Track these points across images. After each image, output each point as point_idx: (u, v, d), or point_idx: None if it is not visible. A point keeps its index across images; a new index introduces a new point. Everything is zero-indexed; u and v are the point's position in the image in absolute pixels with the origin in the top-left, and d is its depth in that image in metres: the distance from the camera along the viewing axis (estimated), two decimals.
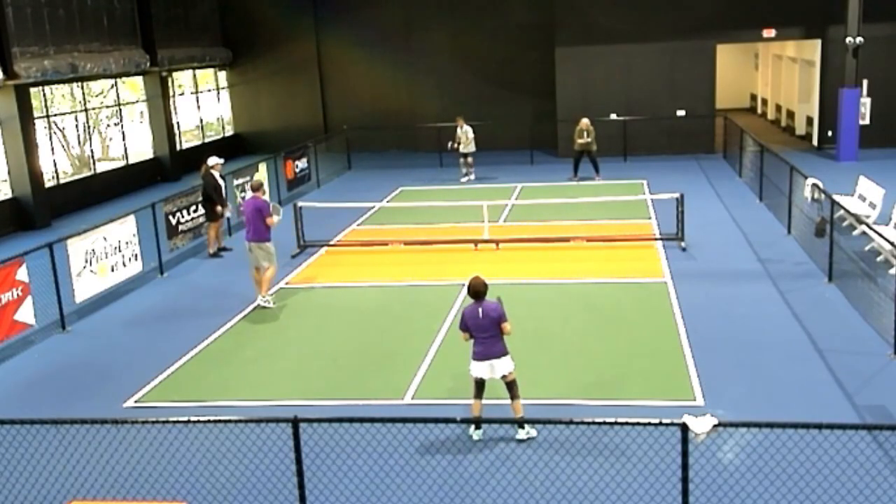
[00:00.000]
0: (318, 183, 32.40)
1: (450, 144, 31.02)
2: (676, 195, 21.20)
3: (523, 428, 11.37)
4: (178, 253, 22.48)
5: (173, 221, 22.32)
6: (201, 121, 39.82)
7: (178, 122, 36.98)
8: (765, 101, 46.12)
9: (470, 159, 30.74)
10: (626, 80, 35.31)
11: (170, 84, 36.18)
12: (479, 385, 11.45)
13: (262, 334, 16.47)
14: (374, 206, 26.35)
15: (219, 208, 22.30)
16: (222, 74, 42.02)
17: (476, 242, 21.84)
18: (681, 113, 35.11)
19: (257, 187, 18.55)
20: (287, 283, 19.72)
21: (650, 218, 24.09)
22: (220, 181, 22.66)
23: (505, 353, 11.38)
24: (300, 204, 22.83)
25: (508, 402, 11.71)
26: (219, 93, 41.77)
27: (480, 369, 11.32)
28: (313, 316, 17.46)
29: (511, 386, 11.39)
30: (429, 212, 24.88)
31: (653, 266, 19.62)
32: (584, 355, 14.55)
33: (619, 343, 15.00)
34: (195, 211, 23.09)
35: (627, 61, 35.18)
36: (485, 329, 11.28)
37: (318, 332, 16.46)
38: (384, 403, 12.96)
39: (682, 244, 21.00)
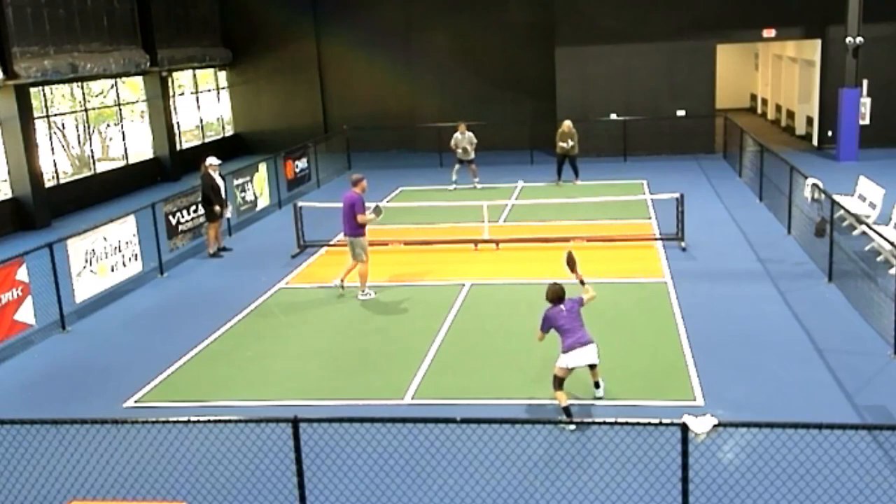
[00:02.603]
0: (318, 183, 32.40)
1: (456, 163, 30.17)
2: (676, 195, 21.20)
3: (599, 387, 12.84)
4: (178, 253, 22.48)
5: (173, 221, 22.32)
6: (201, 121, 39.82)
7: (178, 122, 36.98)
8: (765, 101, 46.13)
9: (473, 166, 29.75)
10: (626, 80, 35.33)
11: (170, 84, 36.18)
12: (562, 379, 12.26)
13: (262, 334, 16.47)
14: (374, 206, 26.32)
15: (217, 208, 22.28)
16: (222, 74, 42.03)
17: (476, 242, 21.84)
18: (681, 113, 35.12)
19: (356, 182, 18.53)
20: (287, 284, 19.72)
21: (650, 218, 24.09)
22: (219, 181, 22.64)
23: (592, 340, 12.42)
24: (300, 204, 22.83)
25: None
26: (219, 93, 41.77)
27: (575, 358, 12.18)
28: (313, 316, 17.46)
29: (593, 365, 12.58)
30: (429, 212, 24.88)
31: (653, 266, 19.63)
32: None
33: (620, 343, 15.00)
34: (195, 211, 23.08)
35: (627, 61, 35.20)
36: (572, 322, 12.36)
37: (318, 332, 16.46)
38: (384, 403, 12.96)
39: (683, 244, 21.00)
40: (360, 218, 17.99)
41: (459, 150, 29.56)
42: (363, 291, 18.31)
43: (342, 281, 18.61)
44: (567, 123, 29.73)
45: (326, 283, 19.51)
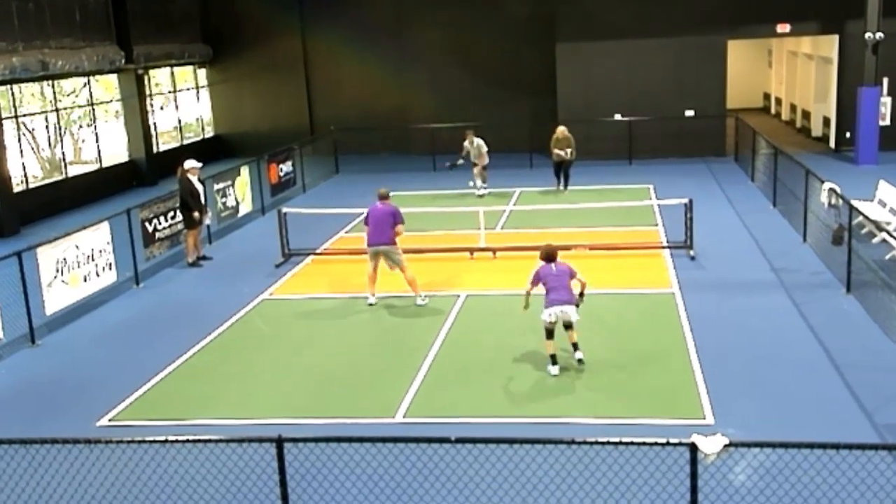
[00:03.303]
0: (303, 188, 32.42)
1: (449, 164, 30.34)
2: (685, 201, 21.24)
3: (577, 349, 14.70)
4: (155, 262, 22.46)
5: (150, 228, 22.31)
6: (180, 122, 39.84)
7: (154, 123, 36.98)
8: (779, 101, 46.25)
9: (485, 173, 29.47)
10: (631, 78, 35.37)
11: (146, 82, 36.17)
12: (551, 332, 14.52)
13: (245, 348, 16.47)
14: (363, 213, 26.29)
15: (196, 215, 22.27)
16: (202, 72, 42.04)
17: (472, 251, 21.87)
18: (689, 113, 35.18)
19: (387, 195, 18.96)
20: (271, 295, 19.73)
21: (657, 225, 24.14)
22: (198, 186, 22.65)
23: (574, 303, 14.50)
24: (285, 210, 22.82)
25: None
26: (198, 92, 41.79)
27: (552, 314, 14.37)
28: (299, 329, 17.47)
29: (569, 325, 14.59)
30: (422, 218, 24.90)
31: (660, 276, 19.67)
32: (587, 371, 14.55)
33: (624, 358, 15.02)
34: (173, 217, 23.08)
35: (632, 58, 35.25)
36: (558, 280, 14.48)
37: (303, 346, 16.46)
38: (374, 422, 12.96)
39: (691, 252, 21.03)
40: (400, 229, 18.42)
41: (471, 157, 29.27)
42: (421, 297, 18.57)
43: (374, 292, 18.78)
44: (562, 129, 29.43)
45: (313, 293, 19.54)
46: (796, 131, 40.50)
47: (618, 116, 35.35)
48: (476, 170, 29.38)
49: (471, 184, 29.70)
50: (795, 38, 38.37)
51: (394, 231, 18.31)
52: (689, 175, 31.54)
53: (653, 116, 35.02)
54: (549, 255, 14.76)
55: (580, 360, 14.65)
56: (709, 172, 32.01)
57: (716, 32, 34.59)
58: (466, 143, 29.27)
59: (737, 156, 34.22)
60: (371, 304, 18.58)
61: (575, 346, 14.73)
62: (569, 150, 28.99)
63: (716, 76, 35.11)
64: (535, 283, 14.70)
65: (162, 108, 39.05)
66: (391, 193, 19.26)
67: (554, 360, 14.52)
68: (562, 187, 29.55)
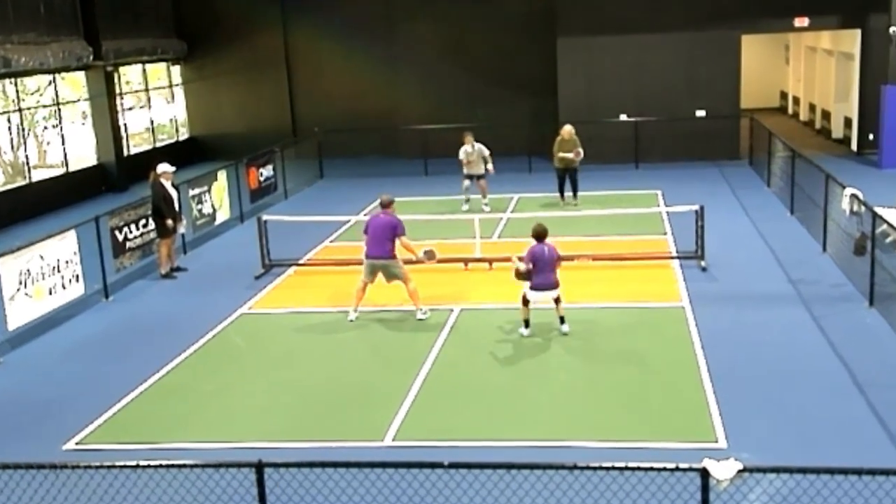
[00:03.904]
0: (285, 193, 32.44)
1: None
2: (695, 207, 21.28)
3: (564, 323, 16.95)
4: (126, 273, 22.46)
5: (120, 237, 22.29)
6: (152, 122, 39.87)
7: (125, 124, 37.02)
8: (797, 100, 46.38)
9: (483, 182, 28.38)
10: (638, 76, 35.44)
11: (116, 80, 36.20)
12: (528, 301, 16.74)
13: (223, 366, 16.48)
14: (349, 220, 26.36)
15: (170, 222, 22.28)
16: (176, 70, 42.10)
17: (466, 261, 21.90)
18: (701, 113, 35.26)
19: (389, 203, 18.80)
20: (250, 308, 19.74)
21: (665, 233, 24.21)
22: (172, 192, 22.66)
23: (559, 285, 16.77)
24: (265, 217, 22.85)
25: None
26: (172, 91, 41.83)
27: (537, 296, 16.67)
28: (280, 345, 17.49)
29: (557, 300, 16.85)
30: (412, 226, 24.82)
31: (668, 288, 19.72)
32: (590, 391, 14.59)
33: (630, 376, 15.05)
34: (145, 226, 23.06)
35: (640, 54, 35.32)
36: (546, 264, 16.52)
37: (285, 364, 16.48)
38: (361, 445, 12.99)
39: (703, 263, 21.08)
40: (405, 241, 18.38)
41: (469, 165, 28.07)
42: (422, 310, 18.56)
43: (356, 309, 18.68)
44: (568, 129, 28.37)
45: (295, 307, 19.55)
46: (815, 133, 40.60)
47: (623, 117, 35.42)
48: (467, 183, 28.22)
49: (486, 208, 27.88)
50: (814, 32, 38.47)
51: (392, 244, 18.25)
52: (701, 180, 31.62)
53: (661, 117, 35.09)
54: (540, 234, 16.72)
55: (565, 333, 16.88)
56: (721, 177, 32.08)
57: (729, 27, 34.65)
58: (467, 147, 28.12)
59: (751, 159, 34.30)
60: (351, 321, 18.54)
61: (562, 320, 16.97)
62: (578, 151, 27.89)
63: (729, 74, 35.16)
64: (528, 261, 16.52)
65: (133, 109, 39.07)
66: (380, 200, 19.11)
67: (527, 323, 16.92)
68: (570, 197, 28.39)
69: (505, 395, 14.59)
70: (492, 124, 35.78)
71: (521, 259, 16.90)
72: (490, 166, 28.09)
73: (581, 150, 28.06)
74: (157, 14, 39.76)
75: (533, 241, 16.80)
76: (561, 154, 28.14)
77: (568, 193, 28.59)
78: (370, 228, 18.46)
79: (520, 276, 16.87)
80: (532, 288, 16.56)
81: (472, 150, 28.16)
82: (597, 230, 24.33)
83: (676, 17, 34.74)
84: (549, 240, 16.98)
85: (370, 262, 18.37)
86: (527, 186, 31.23)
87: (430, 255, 19.02)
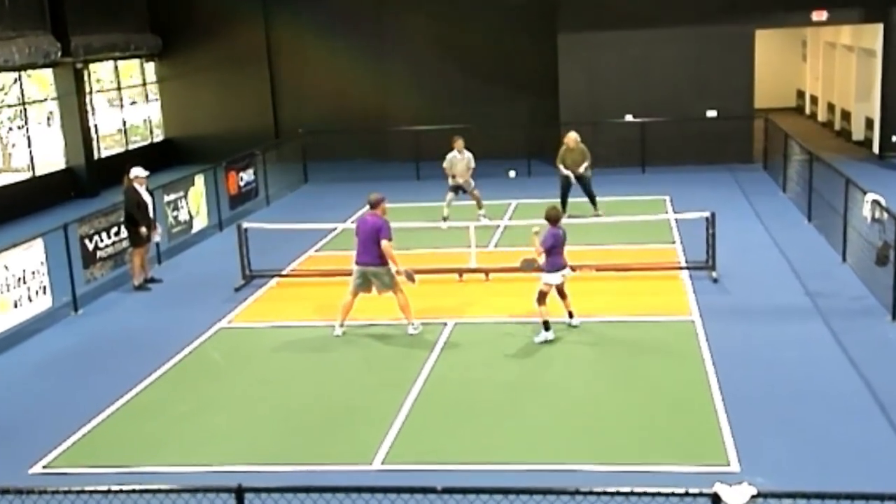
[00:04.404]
0: (267, 199, 32.47)
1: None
2: (706, 214, 21.31)
3: (573, 316, 18.12)
4: (97, 285, 22.46)
5: (90, 246, 22.29)
6: (125, 123, 39.90)
7: (96, 125, 37.02)
8: (814, 100, 46.47)
9: (476, 191, 27.53)
10: (644, 74, 35.49)
11: (86, 78, 36.22)
12: (544, 297, 17.47)
13: (200, 384, 16.49)
14: (336, 228, 26.37)
15: (144, 230, 22.27)
16: (150, 67, 42.13)
17: (461, 272, 21.93)
18: (711, 114, 35.31)
19: (377, 203, 18.45)
20: (230, 323, 19.75)
21: (674, 242, 24.25)
22: (147, 197, 22.66)
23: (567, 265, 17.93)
24: (245, 225, 22.83)
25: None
26: (146, 89, 41.85)
27: (557, 277, 17.56)
28: (262, 362, 17.50)
29: (562, 293, 17.87)
30: (403, 234, 24.84)
31: (678, 301, 19.75)
32: (594, 411, 14.61)
33: (637, 396, 15.06)
34: (117, 234, 23.07)
35: (646, 50, 35.37)
36: (561, 246, 17.63)
37: (267, 382, 16.49)
38: (348, 469, 12.99)
39: (714, 274, 21.10)
40: (386, 247, 18.04)
41: (454, 177, 27.41)
42: (413, 325, 18.50)
43: (342, 323, 18.65)
44: (573, 137, 27.51)
45: (278, 321, 19.56)
46: (835, 134, 40.68)
47: (629, 118, 35.47)
48: (451, 196, 27.48)
49: (483, 219, 26.77)
50: (834, 26, 38.50)
51: (380, 249, 18.11)
52: (712, 185, 31.67)
53: (669, 118, 35.12)
54: (556, 218, 17.69)
55: (575, 326, 18.09)
56: (734, 182, 32.14)
57: (742, 21, 34.69)
58: (456, 154, 27.46)
59: (766, 163, 34.37)
60: (337, 336, 18.53)
61: (571, 314, 18.13)
62: (585, 166, 27.10)
63: (742, 71, 35.21)
64: (548, 245, 17.45)
65: (104, 109, 39.08)
66: (368, 206, 18.89)
67: (546, 325, 17.50)
68: (591, 208, 27.28)
69: (502, 415, 14.61)
70: (488, 125, 35.92)
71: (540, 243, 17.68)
72: (471, 182, 27.33)
73: (588, 163, 27.21)
74: (131, 7, 39.77)
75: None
76: (567, 169, 27.34)
77: (574, 200, 27.48)
78: (358, 232, 18.41)
79: (526, 266, 18.39)
80: (549, 270, 17.53)
81: (459, 158, 27.35)
82: (601, 239, 24.31)
83: (686, 11, 34.78)
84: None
85: (359, 269, 18.31)
86: (525, 192, 31.16)
87: (409, 276, 18.62)
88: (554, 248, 17.47)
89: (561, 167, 27.49)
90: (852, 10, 34.54)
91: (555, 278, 17.52)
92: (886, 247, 18.54)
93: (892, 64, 33.82)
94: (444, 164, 27.64)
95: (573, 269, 18.33)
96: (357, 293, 18.49)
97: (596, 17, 35.26)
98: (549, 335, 17.42)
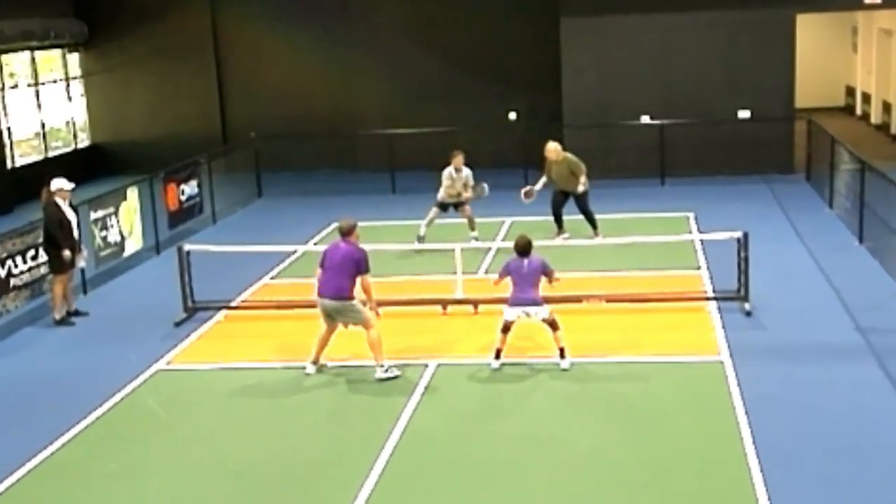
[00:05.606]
0: (213, 217, 32.53)
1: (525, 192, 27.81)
2: (737, 235, 21.37)
3: (564, 358, 18.19)
4: (10, 318, 22.48)
5: (2, 273, 22.28)
6: (43, 126, 39.89)
7: (8, 128, 37.05)
8: (867, 98, 46.64)
9: (468, 209, 27.47)
10: (663, 67, 35.61)
11: None
12: (508, 327, 18.15)
13: (132, 439, 16.46)
14: (295, 251, 26.40)
15: (67, 254, 22.26)
16: (74, 58, 42.13)
17: (444, 304, 21.96)
18: (744, 115, 35.44)
19: (350, 230, 18.62)
20: (168, 364, 19.74)
21: (699, 268, 24.35)
22: (70, 214, 22.66)
23: (540, 303, 18.08)
24: (188, 247, 22.81)
25: None
26: (69, 85, 41.84)
27: (513, 313, 18.09)
28: (207, 411, 17.50)
29: (552, 324, 18.13)
30: (376, 259, 24.94)
31: (703, 338, 19.81)
32: (602, 467, 14.64)
33: (655, 450, 15.10)
34: (34, 258, 23.08)
35: (666, 38, 35.46)
36: (526, 279, 18.06)
37: (213, 435, 16.49)
38: None
39: (747, 306, 21.16)
40: (366, 283, 18.42)
41: (445, 193, 27.22)
42: (383, 367, 18.38)
43: (317, 360, 18.73)
44: (553, 147, 27.15)
45: (225, 362, 19.58)
46: (891, 139, 40.85)
47: (646, 119, 35.58)
48: (435, 213, 27.39)
49: (475, 242, 26.68)
50: (890, 10, 38.68)
51: (353, 283, 18.22)
52: (744, 199, 31.80)
53: (694, 119, 35.26)
54: (523, 249, 18.18)
55: (565, 369, 18.14)
56: (770, 196, 32.27)
57: (780, 4, 34.74)
58: (452, 170, 27.10)
59: (809, 173, 34.51)
60: (308, 374, 18.58)
61: (561, 353, 18.26)
62: (583, 181, 26.62)
63: (780, 64, 35.32)
64: (502, 275, 18.47)
65: (18, 108, 39.10)
66: (333, 224, 19.11)
67: (498, 354, 18.36)
68: (591, 231, 27.06)
69: (494, 473, 14.61)
70: (477, 129, 35.89)
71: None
72: (467, 194, 27.18)
73: (584, 179, 26.73)
74: None
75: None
76: (538, 185, 27.62)
77: (570, 217, 27.43)
78: (326, 260, 18.47)
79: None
80: (509, 304, 18.24)
81: (457, 176, 27.15)
82: (612, 264, 24.41)
83: None
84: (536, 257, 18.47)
85: (321, 304, 18.36)
86: (522, 206, 31.03)
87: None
88: (513, 279, 18.25)
89: (540, 183, 27.57)
90: None
91: (511, 313, 18.18)
92: None
93: None
94: (441, 192, 27.33)
95: (546, 316, 18.16)
96: (329, 325, 18.57)
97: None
98: (495, 364, 18.37)
